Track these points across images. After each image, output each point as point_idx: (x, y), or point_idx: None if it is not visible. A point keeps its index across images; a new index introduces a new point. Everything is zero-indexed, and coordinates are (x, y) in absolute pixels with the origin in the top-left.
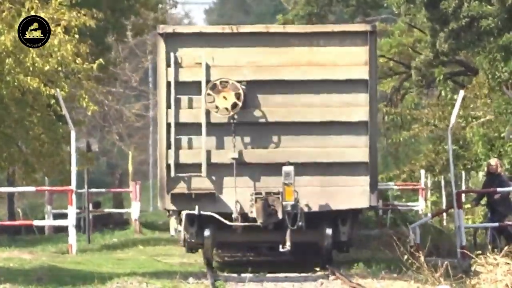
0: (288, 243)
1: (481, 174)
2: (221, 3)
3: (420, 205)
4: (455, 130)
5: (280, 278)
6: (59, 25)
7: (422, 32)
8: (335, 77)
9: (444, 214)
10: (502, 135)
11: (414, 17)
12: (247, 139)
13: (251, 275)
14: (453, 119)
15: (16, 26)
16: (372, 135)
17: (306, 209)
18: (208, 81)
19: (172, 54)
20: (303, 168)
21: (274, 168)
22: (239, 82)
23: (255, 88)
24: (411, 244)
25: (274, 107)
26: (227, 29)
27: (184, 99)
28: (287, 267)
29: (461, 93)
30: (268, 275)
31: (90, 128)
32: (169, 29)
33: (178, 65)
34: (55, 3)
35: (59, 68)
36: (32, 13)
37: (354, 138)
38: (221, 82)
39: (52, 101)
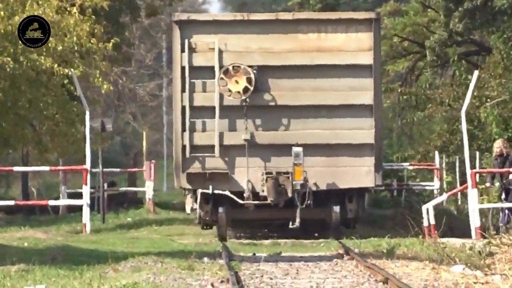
0: (297, 220)
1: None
2: None
3: (435, 185)
4: (470, 110)
5: (295, 258)
6: (74, 5)
7: (436, 11)
8: (341, 62)
9: (459, 194)
10: None
11: None
12: (258, 122)
13: (265, 254)
14: (467, 101)
15: (28, 4)
16: (377, 117)
17: (314, 188)
18: (221, 66)
19: (186, 40)
20: (311, 149)
21: (284, 149)
22: (251, 67)
23: (265, 72)
24: (426, 225)
25: (283, 91)
26: (238, 16)
27: (198, 83)
28: (302, 247)
29: (476, 73)
30: (283, 254)
31: (104, 107)
32: (183, 16)
33: (192, 50)
34: None
35: (75, 48)
36: None
37: (359, 121)
38: (233, 67)
39: (66, 81)
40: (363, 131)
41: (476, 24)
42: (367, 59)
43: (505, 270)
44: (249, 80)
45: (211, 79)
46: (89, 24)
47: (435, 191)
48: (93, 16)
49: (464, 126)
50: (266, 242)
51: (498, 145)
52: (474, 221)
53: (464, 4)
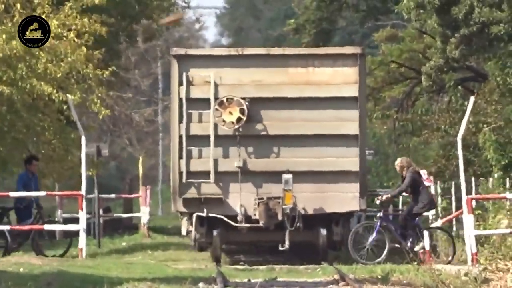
0: (287, 242)
1: (491, 180)
2: (232, 8)
3: (430, 212)
4: (466, 136)
5: (291, 283)
6: (70, 30)
7: (432, 38)
8: (328, 94)
9: (454, 220)
10: None
11: (424, 22)
12: (250, 150)
13: (261, 280)
14: (463, 127)
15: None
16: (361, 146)
17: (303, 212)
18: (216, 98)
19: (184, 74)
20: (300, 176)
21: (274, 176)
22: (243, 98)
23: (257, 104)
24: (421, 251)
25: (274, 121)
26: (232, 51)
27: (195, 114)
28: (297, 272)
29: (471, 99)
30: (278, 279)
31: (100, 133)
32: (181, 51)
33: (189, 83)
34: (67, 9)
35: (73, 73)
36: (44, 17)
37: (345, 150)
38: (227, 99)
39: (65, 107)
40: (349, 159)
41: (473, 50)
42: (353, 91)
43: None
44: (242, 111)
45: (206, 110)
46: (85, 50)
47: (430, 217)
48: (90, 39)
49: (460, 152)
50: (262, 267)
51: (399, 163)
52: (470, 247)
53: (460, 31)
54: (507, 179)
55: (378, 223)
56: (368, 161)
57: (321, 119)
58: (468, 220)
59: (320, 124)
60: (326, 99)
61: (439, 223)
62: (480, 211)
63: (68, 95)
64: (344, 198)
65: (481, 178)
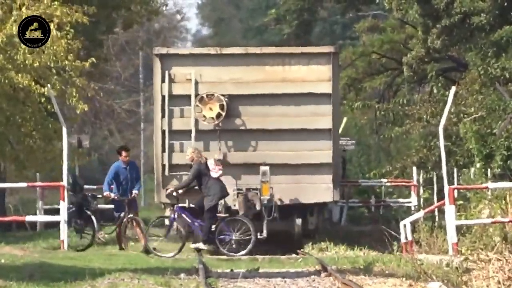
0: (264, 231)
1: (472, 170)
2: None
3: (412, 202)
4: (447, 126)
5: (273, 274)
6: (51, 21)
7: (414, 28)
8: (303, 91)
9: (436, 210)
10: (494, 131)
11: (406, 13)
12: (230, 144)
13: (243, 270)
14: (444, 117)
15: (8, 22)
16: (335, 140)
17: (279, 203)
18: (196, 95)
19: (166, 72)
20: (277, 168)
21: (253, 168)
22: (223, 95)
23: (236, 100)
24: (404, 241)
25: (252, 117)
26: (212, 50)
27: (176, 110)
28: (279, 262)
29: (453, 89)
30: (261, 270)
31: (81, 124)
32: (163, 50)
33: (171, 81)
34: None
35: (52, 65)
36: (23, 9)
37: (319, 143)
38: (207, 95)
39: (43, 99)
40: (322, 152)
41: (454, 40)
42: (326, 88)
43: (482, 287)
44: (221, 107)
45: (188, 106)
46: (65, 41)
47: (413, 208)
48: (71, 31)
49: (441, 142)
50: (244, 257)
51: (189, 155)
52: (451, 237)
53: (442, 21)
54: (488, 170)
55: (173, 216)
56: (350, 151)
57: (297, 114)
58: (450, 210)
59: (295, 119)
60: (301, 95)
61: (421, 213)
62: (461, 201)
63: (48, 85)
64: (318, 189)
65: (464, 169)
